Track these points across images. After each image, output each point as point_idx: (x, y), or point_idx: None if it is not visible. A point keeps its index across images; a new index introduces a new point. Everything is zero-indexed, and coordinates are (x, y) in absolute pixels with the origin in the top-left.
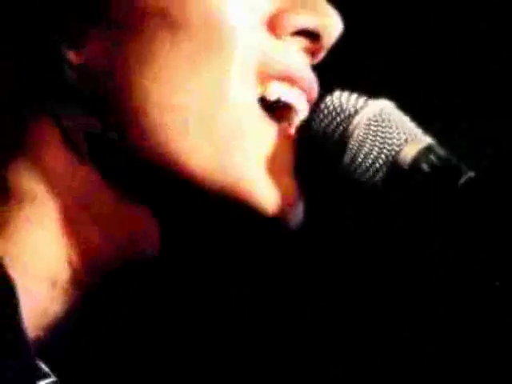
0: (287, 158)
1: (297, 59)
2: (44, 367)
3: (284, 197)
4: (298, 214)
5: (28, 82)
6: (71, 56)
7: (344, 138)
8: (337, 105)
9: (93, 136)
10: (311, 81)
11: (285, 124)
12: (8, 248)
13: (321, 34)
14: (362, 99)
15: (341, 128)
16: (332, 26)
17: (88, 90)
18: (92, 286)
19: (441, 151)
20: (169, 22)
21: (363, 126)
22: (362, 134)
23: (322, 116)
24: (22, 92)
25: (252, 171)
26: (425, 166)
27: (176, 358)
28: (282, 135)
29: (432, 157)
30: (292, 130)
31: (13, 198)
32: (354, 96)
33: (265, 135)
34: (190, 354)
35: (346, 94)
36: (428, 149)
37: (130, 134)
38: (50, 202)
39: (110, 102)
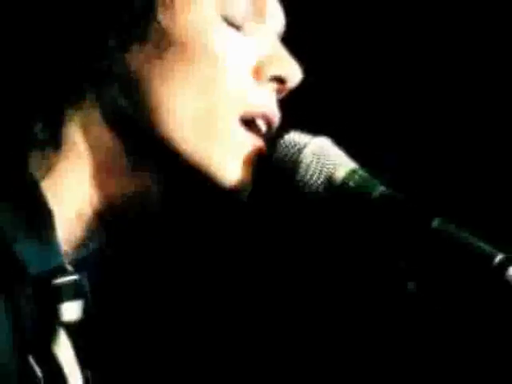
0: (250, 156)
1: (270, 100)
2: (69, 267)
3: (241, 179)
4: (247, 192)
5: (87, 67)
6: (119, 58)
7: (296, 163)
8: (291, 140)
9: (123, 115)
10: (276, 116)
11: (253, 131)
12: (51, 186)
13: (287, 80)
14: (309, 137)
15: (294, 157)
16: (296, 75)
17: (126, 82)
18: (107, 222)
19: (363, 172)
20: (187, 56)
21: (309, 155)
22: (308, 161)
23: (281, 148)
24: (83, 72)
25: (226, 161)
26: (351, 183)
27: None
28: (251, 143)
29: (356, 176)
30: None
31: (64, 150)
32: (304, 135)
33: (238, 140)
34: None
35: (298, 134)
36: (354, 171)
37: (147, 121)
38: (89, 159)
39: (137, 97)
